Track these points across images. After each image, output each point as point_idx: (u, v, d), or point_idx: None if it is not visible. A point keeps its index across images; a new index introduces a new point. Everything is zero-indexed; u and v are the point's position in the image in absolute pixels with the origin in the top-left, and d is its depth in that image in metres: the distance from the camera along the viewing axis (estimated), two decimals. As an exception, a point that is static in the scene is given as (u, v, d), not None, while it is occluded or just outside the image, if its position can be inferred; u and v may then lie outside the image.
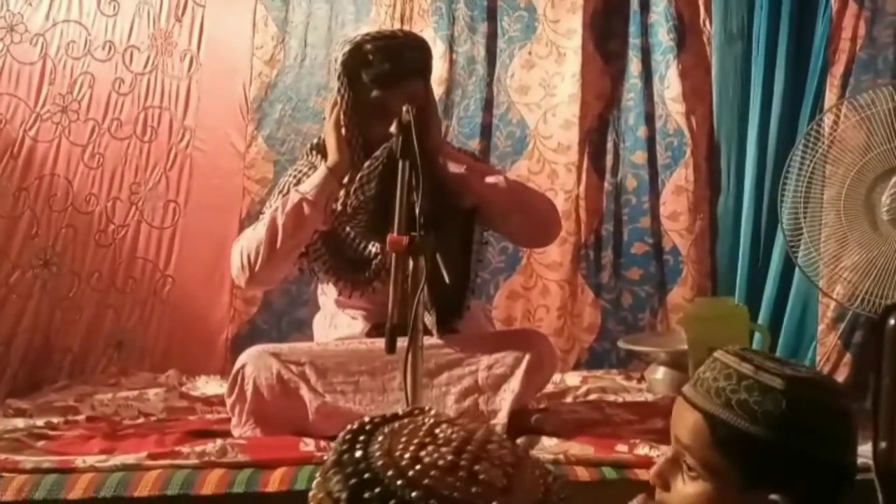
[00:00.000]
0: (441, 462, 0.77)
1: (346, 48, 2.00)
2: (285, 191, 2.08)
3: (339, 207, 1.99)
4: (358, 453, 0.78)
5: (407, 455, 0.78)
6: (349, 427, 0.83)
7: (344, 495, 0.76)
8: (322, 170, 2.03)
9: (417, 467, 0.77)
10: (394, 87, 1.96)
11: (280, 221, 1.99)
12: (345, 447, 0.80)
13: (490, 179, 2.09)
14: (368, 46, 1.97)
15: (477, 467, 0.78)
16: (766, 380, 1.03)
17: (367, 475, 0.76)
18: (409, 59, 2.00)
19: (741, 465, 1.03)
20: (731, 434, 1.03)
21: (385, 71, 1.95)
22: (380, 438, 0.80)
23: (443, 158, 2.04)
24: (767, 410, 1.02)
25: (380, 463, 0.77)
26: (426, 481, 0.76)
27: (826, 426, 1.03)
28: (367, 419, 0.83)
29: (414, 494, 0.75)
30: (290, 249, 2.03)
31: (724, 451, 1.03)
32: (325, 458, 0.84)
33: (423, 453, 0.78)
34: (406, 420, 0.83)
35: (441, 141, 2.13)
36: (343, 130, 2.02)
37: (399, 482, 0.76)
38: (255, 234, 2.03)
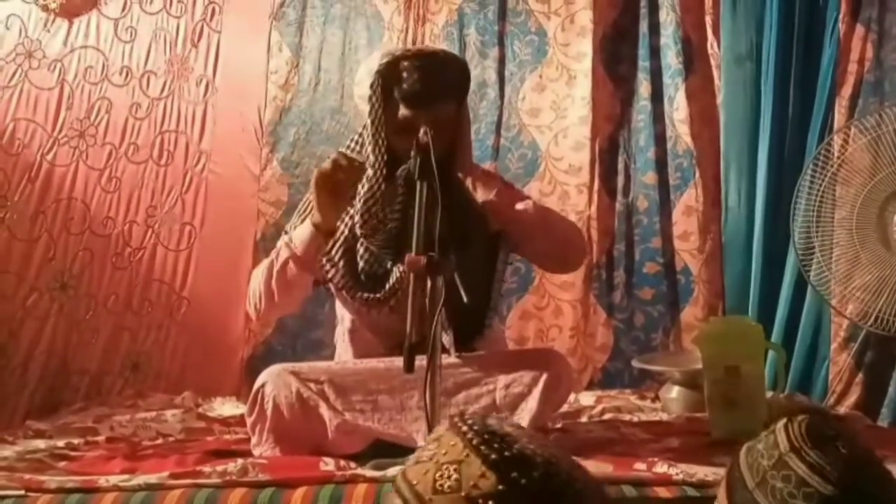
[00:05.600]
0: None
1: (384, 60, 1.99)
2: (303, 209, 2.09)
3: (358, 225, 2.00)
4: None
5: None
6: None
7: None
8: (308, 227, 2.00)
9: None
10: (422, 108, 1.94)
11: (274, 279, 2.02)
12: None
13: (519, 206, 2.08)
14: (405, 63, 1.95)
15: None
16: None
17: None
18: (443, 81, 1.97)
19: None
20: None
21: (416, 91, 1.93)
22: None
23: (472, 181, 2.04)
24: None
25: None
26: None
27: None
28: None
29: None
30: (287, 295, 2.06)
31: None
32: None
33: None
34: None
35: (471, 164, 2.12)
36: (326, 193, 1.95)
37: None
38: (260, 277, 2.06)
